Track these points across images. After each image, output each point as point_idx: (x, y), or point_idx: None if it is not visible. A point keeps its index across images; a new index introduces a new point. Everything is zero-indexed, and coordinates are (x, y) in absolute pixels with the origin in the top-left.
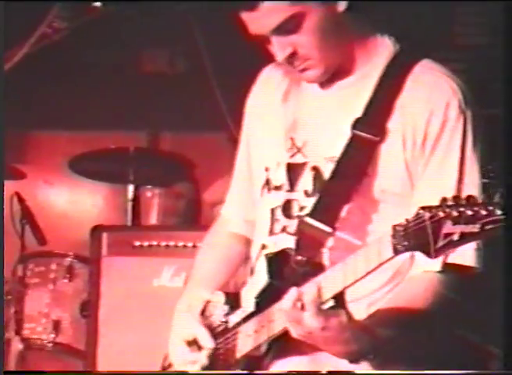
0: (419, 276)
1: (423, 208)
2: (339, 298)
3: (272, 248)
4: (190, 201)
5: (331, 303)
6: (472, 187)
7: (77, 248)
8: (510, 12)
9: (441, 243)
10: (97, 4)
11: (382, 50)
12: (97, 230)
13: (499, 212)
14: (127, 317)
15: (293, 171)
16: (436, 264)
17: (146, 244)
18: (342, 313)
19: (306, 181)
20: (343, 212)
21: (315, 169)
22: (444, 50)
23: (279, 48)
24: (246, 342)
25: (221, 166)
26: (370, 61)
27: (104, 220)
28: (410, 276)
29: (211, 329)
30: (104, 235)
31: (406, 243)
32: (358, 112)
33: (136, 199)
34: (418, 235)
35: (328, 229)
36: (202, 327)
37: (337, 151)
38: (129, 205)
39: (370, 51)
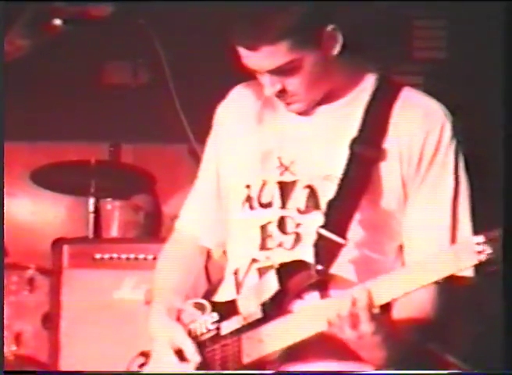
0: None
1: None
2: (387, 304)
3: (264, 262)
4: (150, 213)
5: (377, 309)
6: (465, 208)
7: (39, 260)
8: (511, 13)
9: None
10: (58, 22)
11: (368, 78)
12: (58, 243)
13: None
14: (88, 329)
15: (284, 189)
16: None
17: (107, 256)
18: (388, 319)
19: (298, 199)
20: (357, 229)
21: (309, 187)
22: (402, 63)
23: (270, 84)
24: (256, 347)
25: (181, 179)
26: (357, 87)
27: (66, 232)
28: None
29: (193, 337)
30: (66, 247)
31: (491, 251)
32: (349, 133)
33: (97, 212)
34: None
35: (341, 240)
36: (189, 340)
37: (332, 169)
38: (91, 217)
39: (356, 79)
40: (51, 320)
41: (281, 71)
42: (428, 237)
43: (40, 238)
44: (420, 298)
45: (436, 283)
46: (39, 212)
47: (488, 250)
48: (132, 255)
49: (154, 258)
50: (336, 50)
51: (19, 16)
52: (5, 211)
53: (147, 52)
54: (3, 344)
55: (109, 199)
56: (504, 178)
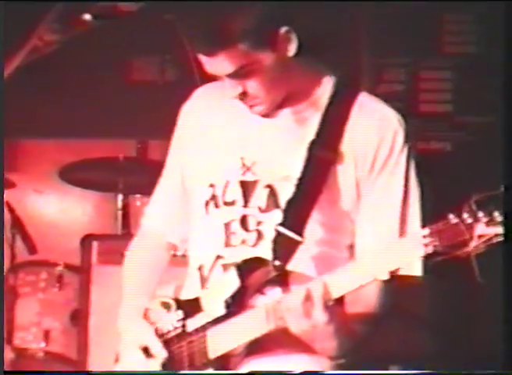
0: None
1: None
2: (341, 298)
3: (229, 259)
4: None
5: (332, 301)
6: (414, 208)
7: (67, 257)
8: (510, 13)
9: (475, 243)
10: (87, 17)
11: (326, 82)
12: (87, 239)
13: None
14: (117, 326)
15: (246, 188)
16: (384, 274)
17: None
18: (342, 310)
19: (259, 198)
20: (317, 228)
21: (269, 187)
22: (432, 58)
23: (231, 87)
24: (220, 343)
25: None
26: (315, 92)
27: (94, 229)
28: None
29: (160, 335)
30: (95, 244)
31: (437, 243)
32: (308, 136)
33: (125, 208)
34: (451, 237)
35: (298, 237)
36: (153, 336)
37: (291, 170)
38: (119, 213)
39: (315, 82)
40: (79, 317)
41: (239, 74)
42: (378, 232)
43: (69, 235)
44: (367, 295)
45: (384, 282)
46: (67, 209)
47: (435, 242)
48: None
49: (184, 255)
50: (292, 52)
51: (47, 12)
52: (4, 209)
53: (174, 48)
54: (3, 343)
55: (138, 195)
56: (504, 177)
